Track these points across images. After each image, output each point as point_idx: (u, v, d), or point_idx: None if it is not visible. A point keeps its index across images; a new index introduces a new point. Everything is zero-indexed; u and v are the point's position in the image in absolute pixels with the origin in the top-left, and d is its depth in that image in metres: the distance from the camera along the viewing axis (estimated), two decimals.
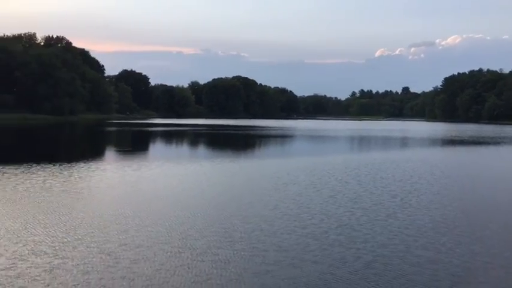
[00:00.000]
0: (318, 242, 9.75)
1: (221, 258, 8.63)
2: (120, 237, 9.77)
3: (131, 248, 9.07)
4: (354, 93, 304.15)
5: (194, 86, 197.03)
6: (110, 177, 18.51)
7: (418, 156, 31.03)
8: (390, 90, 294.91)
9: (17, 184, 15.70)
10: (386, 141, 48.86)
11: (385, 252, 9.13)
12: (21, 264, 8.03)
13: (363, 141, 50.15)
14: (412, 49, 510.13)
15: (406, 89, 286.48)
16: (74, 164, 21.69)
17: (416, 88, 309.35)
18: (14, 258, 8.31)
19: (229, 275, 7.82)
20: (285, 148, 39.68)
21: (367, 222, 11.46)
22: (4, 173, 18.06)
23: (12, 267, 7.88)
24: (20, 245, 9.07)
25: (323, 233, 10.46)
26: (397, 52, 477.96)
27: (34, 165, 20.40)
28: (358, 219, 11.81)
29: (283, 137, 54.62)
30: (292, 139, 52.08)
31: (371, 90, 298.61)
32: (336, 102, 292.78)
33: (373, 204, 13.70)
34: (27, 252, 8.66)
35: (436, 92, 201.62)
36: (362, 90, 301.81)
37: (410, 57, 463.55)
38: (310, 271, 8.10)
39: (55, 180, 16.65)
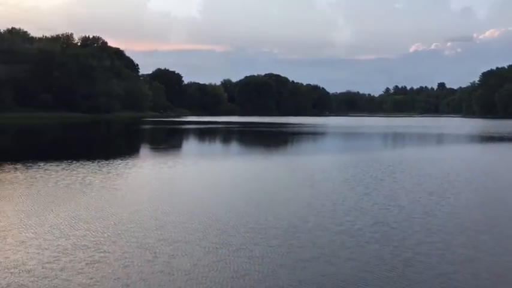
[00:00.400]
0: (354, 239, 9.67)
1: (257, 254, 8.68)
2: (158, 232, 9.96)
3: (169, 243, 9.24)
4: (387, 90, 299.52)
5: (226, 83, 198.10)
6: (146, 174, 18.91)
7: (456, 153, 30.38)
8: (425, 86, 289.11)
9: (58, 180, 16.21)
10: (422, 138, 47.96)
11: (423, 250, 8.98)
12: (65, 258, 8.29)
13: (397, 138, 49.40)
14: (449, 43, 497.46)
15: (441, 85, 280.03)
16: (111, 161, 22.22)
17: (452, 84, 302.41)
18: (58, 252, 8.60)
19: (266, 271, 7.86)
20: (318, 145, 39.53)
21: (404, 220, 11.30)
22: (46, 169, 18.68)
23: (55, 260, 8.15)
24: (63, 239, 9.37)
25: (358, 230, 10.37)
26: (432, 47, 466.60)
27: (74, 162, 21.01)
28: (395, 216, 11.66)
29: (316, 134, 54.36)
30: (325, 136, 51.82)
31: (405, 86, 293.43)
32: (369, 98, 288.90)
33: (409, 201, 13.49)
34: (69, 246, 8.95)
35: (473, 87, 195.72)
36: (396, 86, 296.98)
37: (446, 52, 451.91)
38: (346, 268, 8.06)
39: (94, 177, 17.10)
